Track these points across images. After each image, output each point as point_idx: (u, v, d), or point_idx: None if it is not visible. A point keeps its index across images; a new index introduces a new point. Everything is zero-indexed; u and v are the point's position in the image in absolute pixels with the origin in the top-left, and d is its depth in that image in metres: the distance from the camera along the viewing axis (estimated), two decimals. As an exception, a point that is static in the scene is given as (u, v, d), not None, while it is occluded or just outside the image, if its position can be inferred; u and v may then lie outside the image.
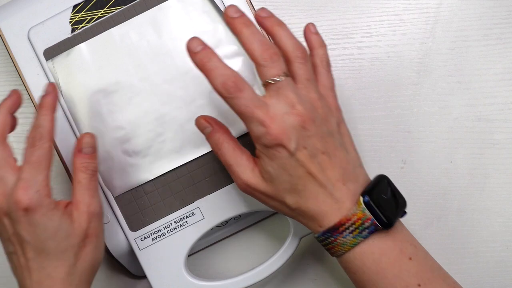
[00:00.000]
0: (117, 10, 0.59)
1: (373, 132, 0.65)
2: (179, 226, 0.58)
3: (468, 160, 0.64)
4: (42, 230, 0.50)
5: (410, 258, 0.50)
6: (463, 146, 0.64)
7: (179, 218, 0.58)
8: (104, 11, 0.59)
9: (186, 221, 0.58)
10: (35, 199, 0.50)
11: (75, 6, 0.59)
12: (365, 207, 0.49)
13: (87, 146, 0.54)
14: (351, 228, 0.49)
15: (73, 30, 0.59)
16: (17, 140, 0.65)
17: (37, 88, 0.59)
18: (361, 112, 0.64)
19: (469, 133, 0.64)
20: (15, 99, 0.54)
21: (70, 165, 0.58)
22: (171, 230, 0.58)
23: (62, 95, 0.59)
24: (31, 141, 0.52)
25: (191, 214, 0.58)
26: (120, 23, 0.58)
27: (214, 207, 0.58)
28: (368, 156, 0.64)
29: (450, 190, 0.64)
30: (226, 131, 0.52)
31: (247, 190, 0.52)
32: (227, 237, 0.64)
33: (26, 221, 0.50)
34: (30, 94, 0.59)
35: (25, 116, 0.65)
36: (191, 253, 0.62)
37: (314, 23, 0.64)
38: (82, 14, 0.59)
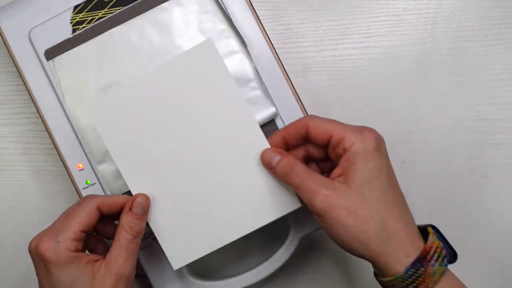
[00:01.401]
0: (118, 11, 0.59)
1: (373, 132, 0.65)
2: (179, 226, 0.58)
3: (468, 160, 0.64)
4: (57, 282, 0.49)
5: None
6: (463, 146, 0.64)
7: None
8: (104, 11, 0.59)
9: (186, 221, 0.58)
10: (51, 250, 0.49)
11: (76, 7, 0.59)
12: (436, 237, 0.49)
13: (139, 206, 0.52)
14: (435, 256, 0.47)
15: (73, 30, 0.59)
16: (16, 140, 0.65)
17: (37, 88, 0.59)
18: (361, 112, 0.65)
19: (469, 133, 0.64)
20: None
21: (69, 164, 0.58)
22: (171, 230, 0.58)
23: (62, 95, 0.59)
24: (80, 200, 0.52)
25: (191, 214, 0.58)
26: (121, 23, 0.59)
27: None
28: (368, 156, 0.64)
29: (450, 190, 0.64)
30: (296, 158, 0.51)
31: (328, 204, 0.48)
32: (227, 237, 0.64)
33: (44, 268, 0.50)
34: (31, 94, 0.59)
35: (25, 116, 0.65)
36: (191, 253, 0.62)
37: (314, 23, 0.65)
38: (83, 15, 0.59)
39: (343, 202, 0.48)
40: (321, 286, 0.64)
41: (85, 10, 0.59)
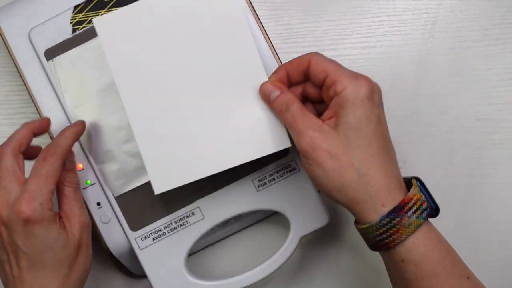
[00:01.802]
0: (118, 11, 0.59)
1: (373, 132, 0.65)
2: (179, 226, 0.58)
3: (468, 160, 0.64)
4: (41, 242, 0.51)
5: (454, 250, 0.50)
6: (463, 146, 0.64)
7: (179, 218, 0.58)
8: (104, 11, 0.59)
9: (186, 221, 0.58)
10: (38, 212, 0.51)
11: (76, 7, 0.59)
12: (419, 190, 0.49)
13: (68, 161, 0.55)
14: (414, 208, 0.48)
15: (74, 30, 0.59)
16: (17, 140, 0.65)
17: (37, 88, 0.59)
18: (361, 112, 0.65)
19: (469, 133, 0.64)
20: (43, 124, 0.56)
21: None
22: (172, 229, 0.58)
23: (62, 95, 0.59)
24: (44, 155, 0.53)
25: (191, 214, 0.58)
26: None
27: (214, 207, 0.58)
28: (368, 156, 0.64)
29: (450, 190, 0.64)
30: (294, 95, 0.51)
31: (311, 145, 0.48)
32: (227, 237, 0.64)
33: (24, 231, 0.51)
34: (31, 94, 0.59)
35: (25, 116, 0.65)
36: (191, 253, 0.62)
37: (314, 23, 0.65)
38: (83, 15, 0.59)
39: (327, 146, 0.48)
40: (321, 285, 0.64)
41: (85, 10, 0.59)
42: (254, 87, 0.52)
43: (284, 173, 0.58)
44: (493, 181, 0.64)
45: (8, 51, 0.60)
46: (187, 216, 0.58)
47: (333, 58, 0.64)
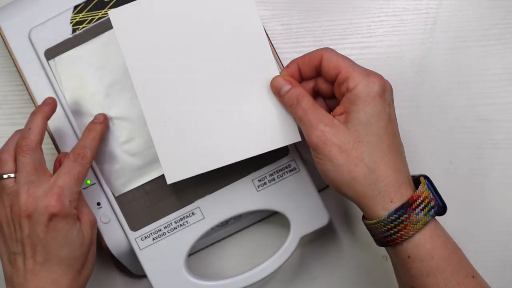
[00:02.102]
0: (118, 11, 0.59)
1: (373, 132, 0.65)
2: (179, 226, 0.58)
3: (468, 160, 0.64)
4: (63, 237, 0.52)
5: (460, 249, 0.50)
6: (463, 146, 0.64)
7: (179, 218, 0.58)
8: (104, 11, 0.59)
9: (186, 221, 0.58)
10: (66, 208, 0.52)
11: (75, 7, 0.59)
12: (427, 187, 0.49)
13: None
14: (422, 205, 0.48)
15: (73, 30, 0.59)
16: (17, 140, 0.65)
17: (37, 88, 0.59)
18: (361, 112, 0.65)
19: (468, 133, 0.64)
20: (52, 106, 0.56)
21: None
22: (172, 229, 0.58)
23: (63, 95, 0.59)
24: (75, 156, 0.54)
25: (191, 214, 0.58)
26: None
27: (214, 207, 0.58)
28: (368, 156, 0.64)
29: (450, 190, 0.64)
30: (305, 90, 0.52)
31: (322, 139, 0.49)
32: (227, 237, 0.64)
33: (49, 225, 0.52)
34: (31, 94, 0.59)
35: (25, 116, 0.64)
36: (191, 253, 0.62)
37: (314, 23, 0.65)
38: (83, 15, 0.59)
39: (337, 140, 0.49)
40: (321, 286, 0.64)
41: (85, 10, 0.59)
42: (266, 81, 0.53)
43: (284, 173, 0.58)
44: (493, 181, 0.64)
45: (8, 51, 0.60)
46: (187, 216, 0.58)
47: (333, 58, 0.65)
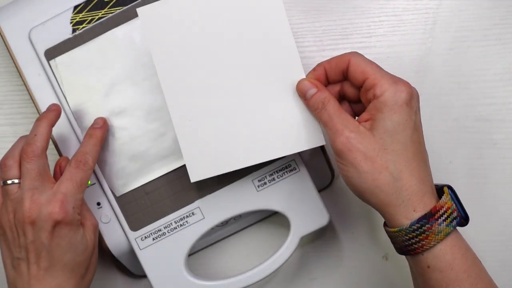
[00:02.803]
0: (118, 11, 0.59)
1: (373, 132, 0.65)
2: (179, 226, 0.58)
3: (468, 160, 0.64)
4: (67, 243, 0.52)
5: (480, 261, 0.50)
6: (463, 146, 0.64)
7: (179, 218, 0.58)
8: (104, 11, 0.59)
9: (186, 221, 0.58)
10: (70, 215, 0.52)
11: (76, 7, 0.59)
12: (451, 198, 0.49)
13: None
14: (444, 216, 0.48)
15: (74, 30, 0.59)
16: (17, 140, 0.65)
17: (37, 88, 0.59)
18: (361, 112, 0.65)
19: (468, 133, 0.64)
20: (57, 113, 0.56)
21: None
22: (172, 229, 0.58)
23: (64, 95, 0.59)
24: (77, 163, 0.54)
25: (191, 214, 0.58)
26: (121, 23, 0.59)
27: (214, 207, 0.58)
28: (368, 156, 0.64)
29: (450, 190, 0.64)
30: (331, 94, 0.52)
31: (347, 145, 0.49)
32: (227, 237, 0.64)
33: (53, 232, 0.52)
34: (31, 94, 0.59)
35: (25, 116, 0.65)
36: (191, 253, 0.62)
37: (314, 23, 0.65)
38: (83, 15, 0.59)
39: (363, 147, 0.48)
40: (321, 286, 0.64)
41: (85, 10, 0.59)
42: (292, 83, 0.53)
43: (284, 173, 0.58)
44: (493, 181, 0.64)
45: (8, 51, 0.60)
46: (187, 216, 0.58)
47: (333, 58, 0.65)
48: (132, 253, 0.59)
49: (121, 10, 0.59)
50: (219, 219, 0.59)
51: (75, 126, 0.59)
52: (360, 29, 0.65)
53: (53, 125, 0.56)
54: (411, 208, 0.48)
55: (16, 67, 0.60)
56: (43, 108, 0.59)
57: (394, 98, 0.49)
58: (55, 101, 0.59)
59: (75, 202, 0.53)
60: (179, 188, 0.58)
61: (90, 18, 0.59)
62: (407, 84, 0.50)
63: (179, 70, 0.53)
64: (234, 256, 0.64)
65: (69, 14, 0.59)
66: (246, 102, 0.53)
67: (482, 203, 0.64)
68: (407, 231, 0.48)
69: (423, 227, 0.48)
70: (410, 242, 0.48)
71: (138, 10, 0.53)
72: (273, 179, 0.58)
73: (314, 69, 0.53)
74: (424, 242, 0.48)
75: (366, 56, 0.65)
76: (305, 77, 0.53)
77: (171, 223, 0.58)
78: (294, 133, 0.53)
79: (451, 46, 0.65)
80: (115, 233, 0.59)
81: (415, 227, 0.48)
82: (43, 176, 0.53)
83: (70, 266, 0.53)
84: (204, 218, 0.58)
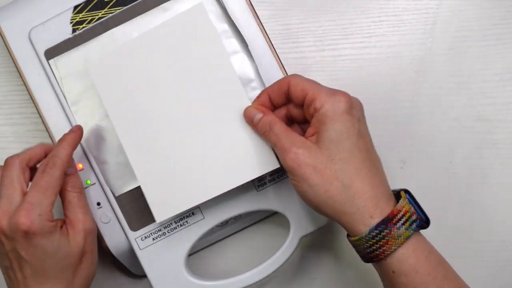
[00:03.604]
0: (118, 11, 0.59)
1: (373, 132, 0.64)
2: (179, 226, 0.58)
3: (468, 160, 0.64)
4: (42, 252, 0.51)
5: (446, 262, 0.50)
6: (463, 146, 0.64)
7: (179, 218, 0.58)
8: (104, 11, 0.59)
9: (186, 221, 0.58)
10: (37, 223, 0.51)
11: (76, 7, 0.59)
12: (408, 201, 0.49)
13: (68, 167, 0.55)
14: (403, 219, 0.48)
15: (74, 30, 0.59)
16: (17, 140, 0.66)
17: (37, 88, 0.59)
18: (361, 112, 0.65)
19: (468, 133, 0.64)
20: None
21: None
22: (172, 229, 0.58)
23: (63, 95, 0.59)
24: (43, 167, 0.53)
25: (191, 214, 0.58)
26: (121, 23, 0.59)
27: (214, 207, 0.58)
28: (368, 156, 0.64)
29: (450, 190, 0.65)
30: (276, 116, 0.53)
31: (296, 162, 0.50)
32: (227, 237, 0.64)
33: (25, 242, 0.51)
34: (31, 94, 0.59)
35: (25, 116, 0.65)
36: (191, 253, 0.62)
37: (314, 23, 0.65)
38: (83, 15, 0.59)
39: (311, 161, 0.49)
40: (321, 286, 0.64)
41: (85, 10, 0.59)
42: (239, 112, 0.54)
43: (284, 173, 0.58)
44: (493, 181, 0.64)
45: (8, 51, 0.60)
46: (187, 216, 0.58)
47: (333, 58, 0.65)
48: (132, 253, 0.59)
49: (121, 10, 0.59)
50: (219, 219, 0.59)
51: (71, 119, 0.59)
52: (360, 29, 0.65)
53: (47, 153, 0.55)
54: (367, 215, 0.49)
55: (16, 67, 0.60)
56: (43, 108, 0.59)
57: (333, 108, 0.50)
58: (55, 101, 0.59)
59: (41, 209, 0.51)
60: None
61: (90, 18, 0.59)
62: (345, 94, 0.51)
63: (132, 116, 0.55)
64: (234, 256, 0.64)
65: (69, 14, 0.59)
66: (200, 137, 0.55)
67: (482, 203, 0.64)
68: (367, 238, 0.49)
69: (382, 233, 0.48)
70: (371, 249, 0.49)
71: (89, 66, 0.56)
72: (273, 179, 0.59)
73: (258, 96, 0.54)
74: (385, 248, 0.48)
75: (366, 56, 0.65)
76: (250, 104, 0.54)
77: (171, 223, 0.58)
78: (250, 160, 0.54)
79: (451, 46, 0.65)
80: (115, 233, 0.59)
81: (374, 234, 0.48)
82: (15, 185, 0.53)
83: (53, 273, 0.52)
84: (204, 218, 0.58)
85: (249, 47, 0.58)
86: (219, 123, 0.55)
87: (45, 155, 0.55)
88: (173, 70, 0.55)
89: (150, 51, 0.55)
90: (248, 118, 0.54)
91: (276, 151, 0.52)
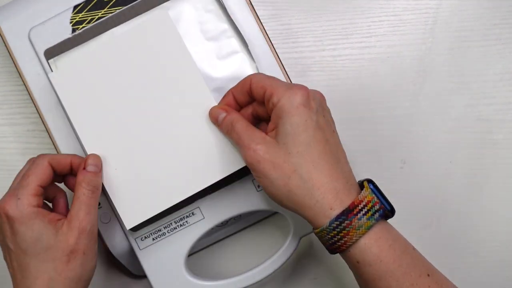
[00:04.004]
0: (118, 11, 0.59)
1: (373, 132, 0.65)
2: (179, 226, 0.58)
3: (468, 160, 0.64)
4: (21, 239, 0.51)
5: (413, 248, 0.50)
6: (463, 146, 0.64)
7: (179, 218, 0.58)
8: (104, 11, 0.59)
9: (186, 221, 0.58)
10: (14, 207, 0.51)
11: (75, 7, 0.59)
12: (371, 191, 0.50)
13: (92, 164, 0.54)
14: (364, 210, 0.49)
15: (73, 30, 0.59)
16: (17, 140, 0.65)
17: (37, 88, 0.59)
18: (361, 112, 0.65)
19: (469, 133, 0.64)
20: (73, 163, 0.55)
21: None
22: (171, 230, 0.58)
23: (66, 110, 0.59)
24: (30, 160, 0.54)
25: (191, 214, 0.58)
26: (121, 23, 0.59)
27: (214, 207, 0.58)
28: (368, 156, 0.64)
29: (450, 190, 0.65)
30: (240, 114, 0.54)
31: (255, 158, 0.50)
32: (227, 237, 0.64)
33: (9, 228, 0.51)
34: (31, 94, 0.59)
35: (25, 116, 0.65)
36: (191, 253, 0.61)
37: (314, 23, 0.65)
38: (82, 15, 0.59)
39: (270, 156, 0.50)
40: (321, 286, 0.64)
41: (85, 10, 0.59)
42: (206, 113, 0.55)
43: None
44: (493, 181, 0.64)
45: (8, 51, 0.60)
46: (187, 216, 0.58)
47: (333, 58, 0.65)
48: (132, 253, 0.59)
49: (121, 10, 0.59)
50: (219, 219, 0.58)
51: (73, 126, 0.59)
52: (360, 29, 0.65)
53: (69, 166, 0.55)
54: (327, 207, 0.49)
55: (16, 67, 0.60)
56: (43, 108, 0.59)
57: (290, 101, 0.50)
58: (55, 101, 0.59)
59: (22, 194, 0.51)
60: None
61: (90, 18, 0.59)
62: (302, 87, 0.51)
63: (96, 122, 0.55)
64: (234, 256, 0.64)
65: (69, 14, 0.59)
66: (167, 140, 0.55)
67: (482, 203, 0.64)
68: (328, 229, 0.49)
69: (342, 224, 0.48)
70: (333, 240, 0.49)
71: (50, 76, 0.56)
72: (273, 179, 0.58)
73: (224, 97, 0.55)
74: (346, 239, 0.49)
75: (366, 56, 0.65)
76: (216, 104, 0.54)
77: (171, 223, 0.58)
78: (217, 160, 0.55)
79: (451, 46, 0.65)
80: (115, 233, 0.59)
81: (334, 225, 0.49)
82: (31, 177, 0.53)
83: (33, 265, 0.51)
84: (204, 218, 0.58)
85: (249, 47, 0.58)
86: (186, 125, 0.55)
87: (70, 166, 0.55)
88: (138, 74, 0.55)
89: (115, 56, 0.55)
90: (213, 118, 0.54)
91: (238, 149, 0.53)
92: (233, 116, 0.53)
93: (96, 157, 0.55)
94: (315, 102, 0.51)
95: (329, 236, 0.49)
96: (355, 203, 0.49)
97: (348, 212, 0.49)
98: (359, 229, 0.48)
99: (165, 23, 0.55)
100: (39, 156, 0.54)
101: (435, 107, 0.64)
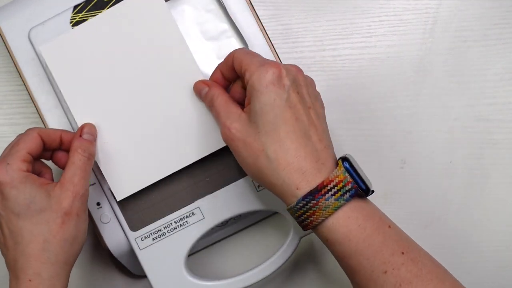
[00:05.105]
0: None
1: (373, 132, 0.65)
2: (179, 226, 0.58)
3: (468, 160, 0.64)
4: (14, 203, 0.51)
5: (389, 226, 0.49)
6: (463, 146, 0.64)
7: (179, 218, 0.58)
8: (104, 11, 0.59)
9: (186, 221, 0.58)
10: (4, 172, 0.51)
11: (75, 7, 0.59)
12: (345, 170, 0.49)
13: (88, 133, 0.55)
14: (333, 190, 0.48)
15: (73, 30, 0.59)
16: (17, 140, 0.65)
17: (37, 88, 0.59)
18: (361, 112, 0.65)
19: (468, 133, 0.64)
20: (62, 137, 0.56)
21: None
22: (171, 230, 0.58)
23: (63, 94, 0.59)
24: (19, 134, 0.54)
25: (191, 214, 0.58)
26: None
27: (214, 207, 0.58)
28: (368, 156, 0.64)
29: (450, 190, 0.65)
30: (222, 88, 0.54)
31: (229, 136, 0.50)
32: (227, 237, 0.64)
33: (0, 196, 0.51)
34: (31, 94, 0.59)
35: (25, 116, 0.65)
36: (191, 253, 0.62)
37: (314, 23, 0.65)
38: (82, 15, 0.59)
39: (241, 135, 0.50)
40: (321, 286, 0.64)
41: (85, 10, 0.59)
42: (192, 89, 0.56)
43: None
44: (493, 181, 0.64)
45: (8, 51, 0.60)
46: (187, 216, 0.58)
47: (333, 58, 0.65)
48: (132, 253, 0.59)
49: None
50: (219, 219, 0.58)
51: (74, 125, 0.59)
52: (360, 29, 0.65)
53: (61, 139, 0.55)
54: (293, 187, 0.49)
55: (16, 67, 0.60)
56: (43, 108, 0.59)
57: (259, 79, 0.49)
58: (55, 101, 0.59)
59: (11, 159, 0.51)
60: (179, 188, 0.58)
61: (90, 18, 0.59)
62: (274, 64, 0.50)
63: (87, 97, 0.56)
64: (234, 256, 0.64)
65: (69, 14, 0.59)
66: (157, 115, 0.56)
67: (482, 203, 0.64)
68: (295, 209, 0.49)
69: (309, 204, 0.48)
70: (301, 219, 0.49)
71: (41, 48, 0.56)
72: (273, 179, 0.58)
73: (212, 73, 0.55)
74: (312, 218, 0.48)
75: (366, 56, 0.65)
76: (201, 78, 0.55)
77: (171, 223, 0.58)
78: (204, 136, 0.56)
79: (451, 46, 0.65)
80: (115, 233, 0.59)
81: (301, 204, 0.48)
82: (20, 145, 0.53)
83: (27, 229, 0.51)
84: (204, 218, 0.58)
85: (249, 47, 0.58)
86: (176, 100, 0.56)
87: (60, 139, 0.55)
88: (128, 48, 0.56)
89: (104, 31, 0.56)
90: (197, 93, 0.55)
91: (218, 126, 0.53)
92: (214, 91, 0.53)
93: (92, 126, 0.56)
94: (289, 78, 0.50)
95: (296, 215, 0.49)
96: (324, 183, 0.48)
97: (315, 192, 0.48)
98: (325, 210, 0.48)
99: None
100: (29, 129, 0.54)
101: (435, 107, 0.64)
